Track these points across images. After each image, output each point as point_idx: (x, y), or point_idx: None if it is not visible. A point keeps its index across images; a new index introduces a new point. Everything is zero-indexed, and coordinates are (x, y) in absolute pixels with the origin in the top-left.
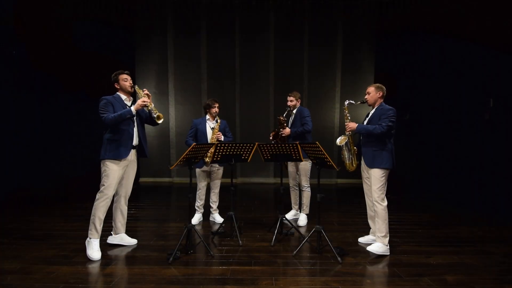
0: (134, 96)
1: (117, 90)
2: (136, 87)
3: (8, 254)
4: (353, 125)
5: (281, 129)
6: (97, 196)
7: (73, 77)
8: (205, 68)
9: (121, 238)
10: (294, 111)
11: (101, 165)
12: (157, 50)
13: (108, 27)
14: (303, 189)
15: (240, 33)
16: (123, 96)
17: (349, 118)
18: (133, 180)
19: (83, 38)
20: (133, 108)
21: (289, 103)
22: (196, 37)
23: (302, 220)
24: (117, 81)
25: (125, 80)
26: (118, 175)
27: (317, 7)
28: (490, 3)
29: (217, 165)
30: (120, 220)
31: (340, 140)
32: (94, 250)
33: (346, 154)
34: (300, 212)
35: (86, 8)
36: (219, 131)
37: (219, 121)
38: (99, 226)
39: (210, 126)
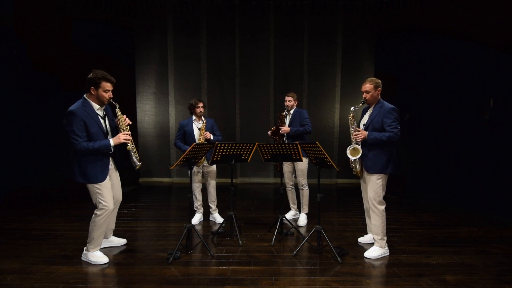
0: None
1: (87, 91)
2: (118, 110)
3: (8, 254)
4: (364, 134)
5: (280, 126)
6: (97, 213)
7: (73, 77)
8: (205, 68)
9: (110, 241)
10: (292, 111)
11: (88, 186)
12: (157, 50)
13: (108, 27)
14: (302, 188)
15: (240, 33)
16: (95, 106)
17: (355, 125)
18: (120, 185)
19: (83, 38)
20: (112, 143)
21: (287, 103)
22: (196, 37)
23: (302, 220)
24: (96, 87)
25: (107, 91)
26: (110, 185)
27: (317, 7)
28: (490, 3)
29: (209, 165)
30: (111, 226)
31: (352, 152)
32: (99, 257)
33: (357, 164)
34: (299, 212)
35: (86, 8)
36: (206, 130)
37: (204, 120)
38: (101, 240)
39: (197, 126)
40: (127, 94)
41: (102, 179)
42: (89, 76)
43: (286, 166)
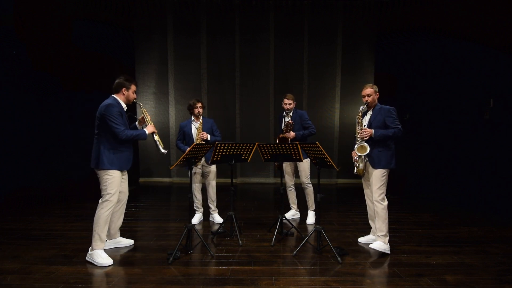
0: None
1: (116, 92)
2: (142, 107)
3: (8, 254)
4: (370, 132)
5: (286, 133)
6: (102, 206)
7: (73, 77)
8: (205, 68)
9: (117, 241)
10: (291, 113)
11: (101, 173)
12: (157, 50)
13: (108, 27)
14: (305, 187)
15: (240, 33)
16: (123, 104)
17: (363, 124)
18: (127, 182)
19: (83, 38)
20: (147, 132)
21: (288, 106)
22: (196, 37)
23: (310, 217)
24: (127, 88)
25: (134, 92)
26: (120, 181)
27: (317, 7)
28: (490, 3)
29: (208, 165)
30: (119, 224)
31: (361, 149)
32: (104, 258)
33: (361, 162)
34: (299, 212)
35: (86, 8)
36: (204, 130)
37: (201, 120)
38: (105, 236)
39: (195, 126)
40: None
41: (126, 167)
42: (119, 80)
43: (287, 166)
